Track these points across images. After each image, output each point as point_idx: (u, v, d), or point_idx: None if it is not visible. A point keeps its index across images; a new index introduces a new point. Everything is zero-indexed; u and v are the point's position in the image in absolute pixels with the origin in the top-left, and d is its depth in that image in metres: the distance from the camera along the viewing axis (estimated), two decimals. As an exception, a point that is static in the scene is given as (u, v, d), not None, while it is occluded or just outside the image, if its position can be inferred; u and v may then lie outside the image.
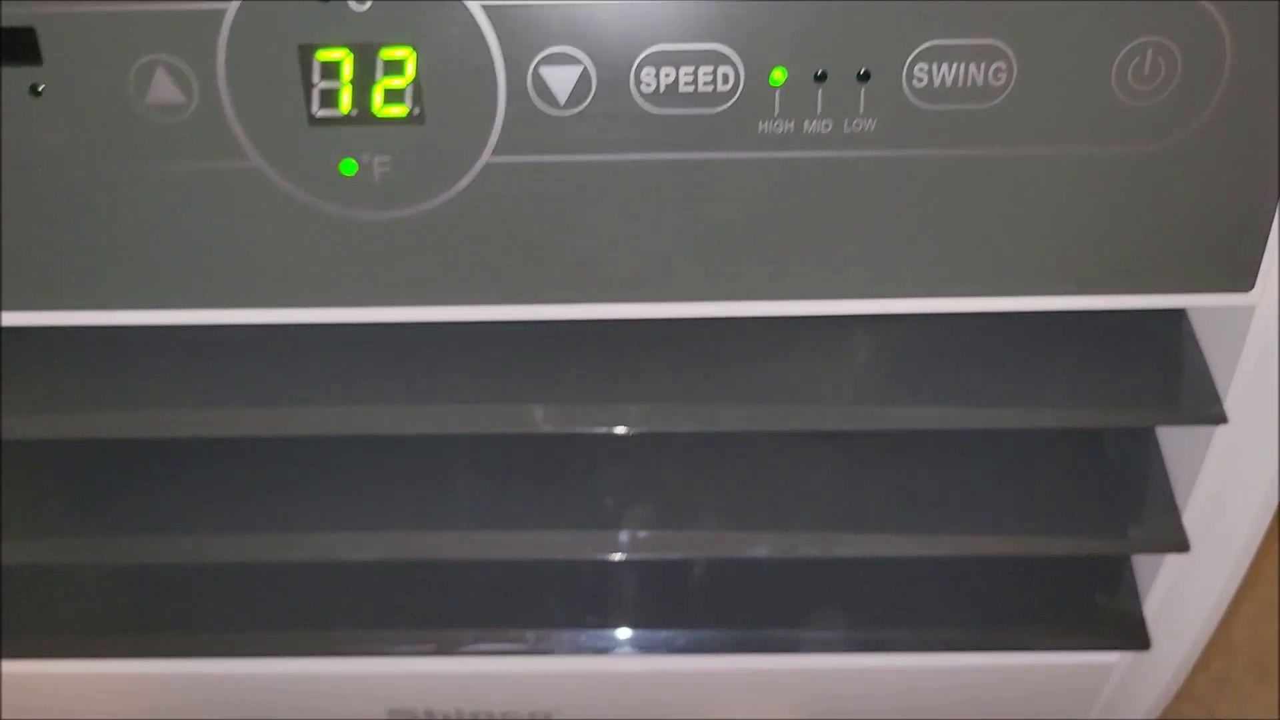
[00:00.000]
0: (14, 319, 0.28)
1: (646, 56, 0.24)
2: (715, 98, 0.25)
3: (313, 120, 0.25)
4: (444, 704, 0.38)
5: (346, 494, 0.32)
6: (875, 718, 0.39)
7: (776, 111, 0.25)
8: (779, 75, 0.25)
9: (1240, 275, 0.27)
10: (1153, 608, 0.34)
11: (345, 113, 0.25)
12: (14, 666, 0.36)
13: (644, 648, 0.35)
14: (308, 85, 0.24)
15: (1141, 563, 0.34)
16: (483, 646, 0.35)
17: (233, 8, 0.24)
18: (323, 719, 0.39)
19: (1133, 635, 0.33)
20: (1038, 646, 0.34)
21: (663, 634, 0.35)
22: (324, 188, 0.26)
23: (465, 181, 0.25)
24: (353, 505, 0.32)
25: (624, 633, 0.35)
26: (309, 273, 0.27)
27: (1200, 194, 0.26)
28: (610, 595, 0.36)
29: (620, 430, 0.29)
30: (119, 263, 0.27)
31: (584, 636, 0.35)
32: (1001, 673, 0.36)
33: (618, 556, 0.31)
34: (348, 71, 0.24)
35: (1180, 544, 0.31)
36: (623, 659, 0.36)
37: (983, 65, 0.24)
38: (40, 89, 0.24)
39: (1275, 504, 0.30)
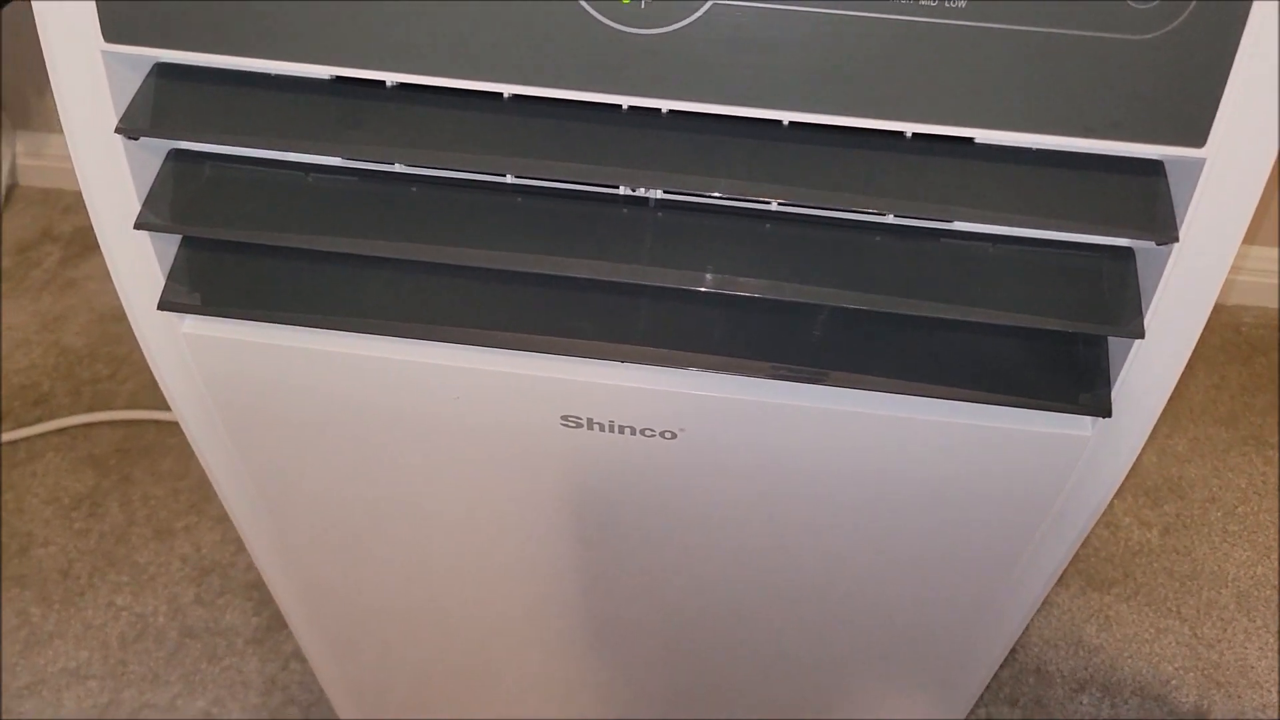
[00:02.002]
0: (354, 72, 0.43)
1: (826, -57, 0.38)
2: (867, -25, 0.39)
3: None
4: (601, 415, 0.53)
5: (550, 230, 0.47)
6: (892, 470, 0.53)
7: (905, -12, 0.39)
8: (908, -36, 0.38)
9: (1196, 134, 0.40)
10: (1118, 390, 0.48)
11: (631, -39, 0.39)
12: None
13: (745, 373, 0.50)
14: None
15: (1115, 354, 0.48)
16: (637, 355, 0.49)
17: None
18: (512, 419, 0.54)
19: (1099, 404, 0.47)
20: (1029, 405, 0.48)
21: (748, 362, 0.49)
22: (609, 9, 0.40)
23: (700, 14, 0.40)
24: (555, 238, 0.47)
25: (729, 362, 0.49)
26: (590, 67, 0.41)
27: (1176, 75, 0.39)
28: (728, 334, 0.50)
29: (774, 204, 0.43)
30: (473, 40, 0.41)
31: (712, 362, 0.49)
32: (998, 434, 0.50)
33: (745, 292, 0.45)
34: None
35: (1139, 331, 0.45)
36: (727, 388, 0.51)
37: (1040, -29, 0.38)
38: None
39: (1210, 308, 0.44)
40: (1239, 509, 1.21)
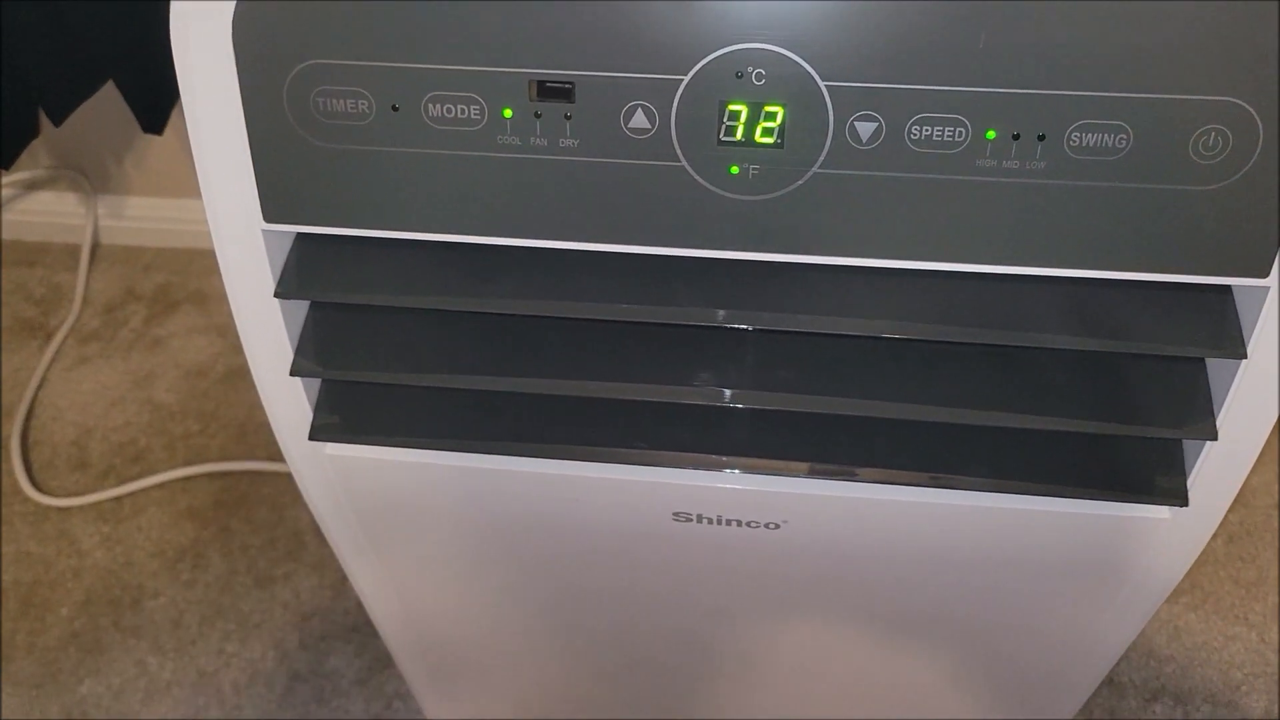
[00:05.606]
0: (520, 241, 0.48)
1: (915, 119, 0.43)
2: (952, 145, 0.43)
3: (720, 142, 0.44)
4: (708, 511, 0.58)
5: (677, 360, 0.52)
6: (986, 551, 0.58)
7: (988, 154, 0.43)
8: (991, 134, 0.43)
9: (1261, 266, 0.44)
10: (1193, 480, 0.52)
11: (739, 139, 0.44)
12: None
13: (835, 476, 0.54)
14: (720, 122, 0.43)
15: (1189, 448, 0.52)
16: (739, 464, 0.54)
17: (686, 79, 0.43)
18: (626, 517, 0.59)
19: (1177, 494, 0.51)
20: (1114, 498, 0.52)
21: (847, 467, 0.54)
22: (718, 180, 0.45)
23: (802, 182, 0.44)
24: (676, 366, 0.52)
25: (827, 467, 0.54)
26: (700, 228, 0.46)
27: (1240, 216, 0.43)
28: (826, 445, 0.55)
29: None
30: (595, 208, 0.46)
31: (810, 467, 0.54)
32: (1088, 519, 0.54)
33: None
34: (744, 116, 0.43)
35: (1212, 434, 0.49)
36: (825, 486, 0.55)
37: (1113, 135, 0.42)
38: (569, 115, 0.44)
39: (1277, 412, 0.48)
40: (1301, 514, 1.23)
